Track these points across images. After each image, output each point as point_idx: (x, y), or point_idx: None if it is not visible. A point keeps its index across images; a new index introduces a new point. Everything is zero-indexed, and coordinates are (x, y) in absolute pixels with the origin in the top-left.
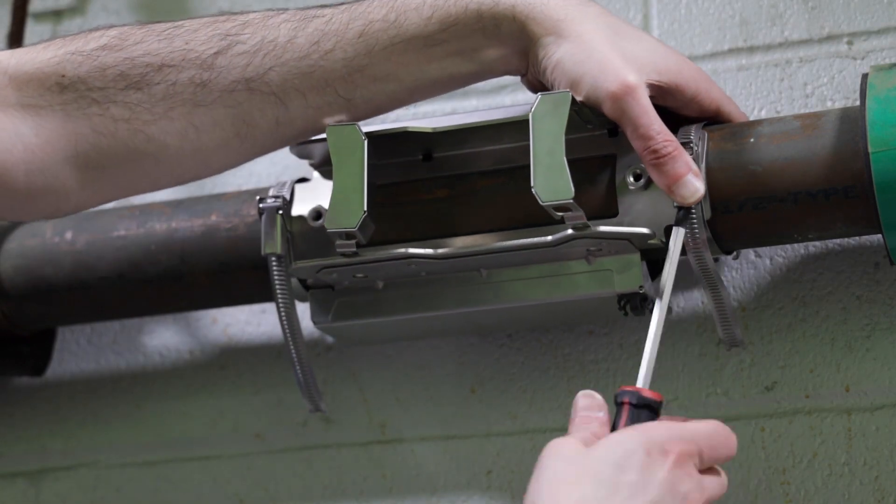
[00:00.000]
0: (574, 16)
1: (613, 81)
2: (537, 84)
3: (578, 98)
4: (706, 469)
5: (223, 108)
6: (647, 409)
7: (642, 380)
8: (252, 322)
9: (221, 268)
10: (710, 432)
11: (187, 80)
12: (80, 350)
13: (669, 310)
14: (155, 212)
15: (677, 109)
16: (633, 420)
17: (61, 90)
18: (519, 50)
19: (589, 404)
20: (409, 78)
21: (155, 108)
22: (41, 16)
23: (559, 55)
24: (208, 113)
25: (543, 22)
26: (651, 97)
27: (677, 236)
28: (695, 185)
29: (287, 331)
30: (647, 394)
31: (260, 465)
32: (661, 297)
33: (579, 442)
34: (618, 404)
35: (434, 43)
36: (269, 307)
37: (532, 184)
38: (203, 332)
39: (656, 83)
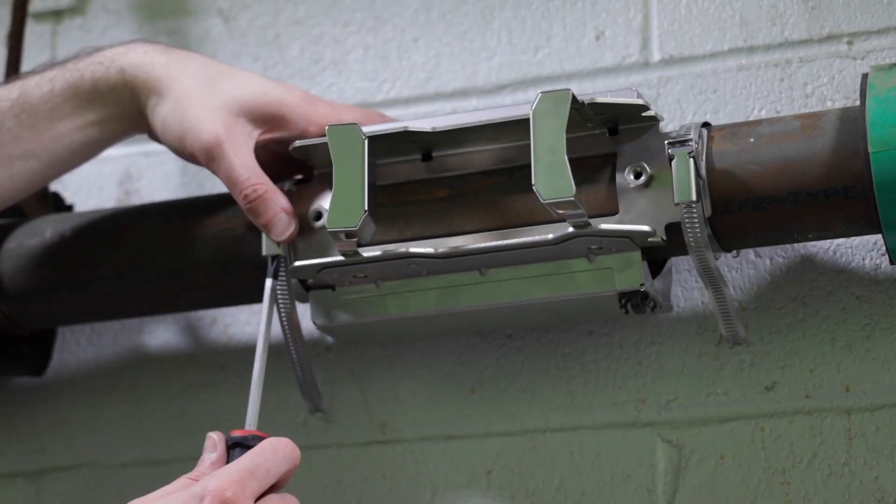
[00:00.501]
0: (174, 72)
1: (206, 135)
2: (159, 140)
3: (186, 152)
4: (273, 491)
5: None
6: (239, 447)
7: (248, 420)
8: (252, 322)
9: (221, 268)
10: (254, 459)
11: None
12: (80, 350)
13: (670, 308)
14: (155, 212)
15: (302, 134)
16: (232, 459)
17: None
18: (137, 112)
19: (206, 446)
20: (45, 153)
21: None
22: (41, 16)
23: (163, 116)
24: None
25: (147, 82)
26: (264, 131)
27: (269, 288)
28: (285, 223)
29: (287, 331)
30: (237, 433)
31: None
32: (260, 343)
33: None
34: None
35: (61, 115)
36: None
37: (533, 182)
38: (203, 332)
39: (259, 114)
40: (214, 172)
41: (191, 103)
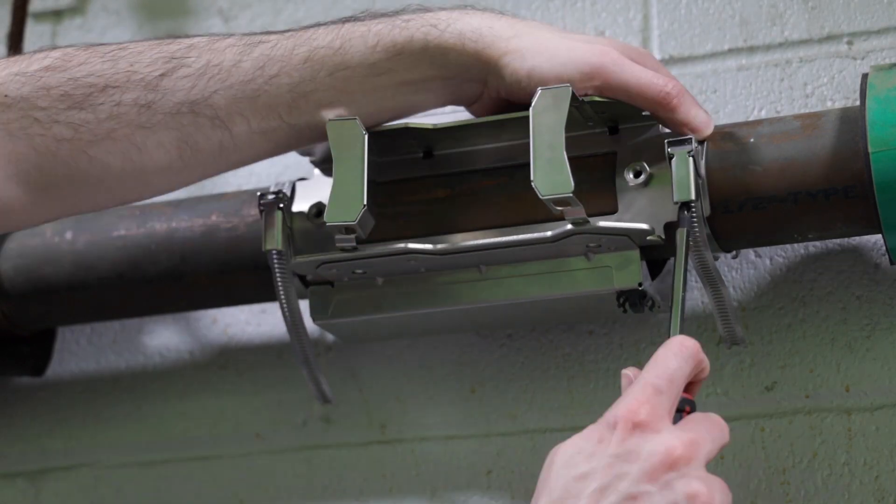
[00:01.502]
0: (522, 30)
1: (594, 54)
2: (492, 108)
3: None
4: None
5: (167, 130)
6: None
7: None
8: (252, 322)
9: (221, 268)
10: (656, 371)
11: (132, 101)
12: (80, 350)
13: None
14: (155, 212)
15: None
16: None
17: (4, 109)
18: (470, 78)
19: (622, 384)
20: (354, 106)
21: (98, 129)
22: (41, 16)
23: (529, 64)
24: (152, 134)
25: (495, 44)
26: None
27: (682, 237)
28: (704, 113)
29: (290, 324)
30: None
31: (260, 465)
32: (674, 296)
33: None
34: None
35: (380, 72)
36: (269, 307)
37: (532, 177)
38: (203, 332)
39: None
40: (612, 88)
41: (557, 45)
